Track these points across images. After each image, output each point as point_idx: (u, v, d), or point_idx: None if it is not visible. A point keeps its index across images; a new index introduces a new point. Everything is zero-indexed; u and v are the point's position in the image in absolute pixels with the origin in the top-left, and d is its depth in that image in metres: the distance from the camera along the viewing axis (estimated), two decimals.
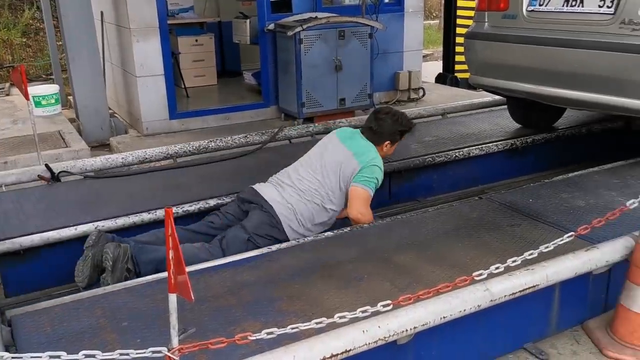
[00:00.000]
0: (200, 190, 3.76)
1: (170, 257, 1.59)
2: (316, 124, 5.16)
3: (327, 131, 5.06)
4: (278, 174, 3.51)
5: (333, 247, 2.94)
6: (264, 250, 2.95)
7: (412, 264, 2.71)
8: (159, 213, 3.39)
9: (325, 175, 3.34)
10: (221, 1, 8.60)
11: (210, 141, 4.63)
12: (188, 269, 2.68)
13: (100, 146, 6.07)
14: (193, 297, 1.61)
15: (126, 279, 2.86)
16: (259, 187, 3.39)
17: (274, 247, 2.96)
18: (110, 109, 6.59)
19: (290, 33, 6.09)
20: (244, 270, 2.72)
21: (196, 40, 7.91)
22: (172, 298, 1.64)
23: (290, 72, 6.35)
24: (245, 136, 4.73)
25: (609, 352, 2.58)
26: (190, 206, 3.54)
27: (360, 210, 3.26)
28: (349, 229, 3.19)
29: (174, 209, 3.44)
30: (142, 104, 6.19)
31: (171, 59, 6.41)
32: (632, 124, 5.08)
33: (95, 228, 3.21)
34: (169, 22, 6.48)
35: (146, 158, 4.39)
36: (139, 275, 2.93)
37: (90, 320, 2.33)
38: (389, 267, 2.70)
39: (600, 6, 3.63)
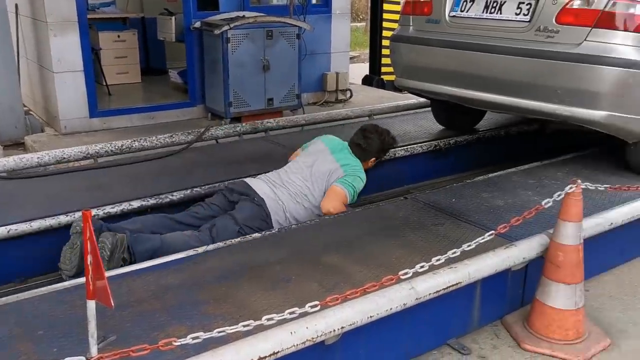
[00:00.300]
0: (122, 191, 3.64)
1: (89, 262, 1.53)
2: (244, 124, 5.10)
3: (254, 131, 5.06)
4: (267, 174, 3.64)
5: (261, 249, 2.92)
6: (190, 252, 2.88)
7: (340, 264, 2.73)
8: (77, 215, 3.25)
9: (315, 182, 3.52)
10: None
11: (134, 141, 4.48)
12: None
13: (14, 145, 5.74)
14: (113, 304, 1.54)
15: (121, 267, 2.84)
16: (251, 181, 3.52)
17: (200, 250, 2.90)
18: (25, 106, 6.26)
19: (217, 32, 6.00)
20: (169, 273, 2.65)
21: (118, 36, 7.66)
22: (91, 305, 1.58)
23: (217, 71, 6.26)
24: (171, 136, 4.62)
25: (526, 345, 2.70)
26: (112, 208, 3.41)
27: (333, 204, 3.42)
28: (276, 230, 3.18)
29: (94, 211, 3.32)
30: (60, 101, 5.92)
31: (91, 54, 6.17)
32: (546, 126, 5.34)
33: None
34: (89, 16, 6.23)
35: (64, 158, 4.20)
36: (134, 263, 2.92)
37: (2, 328, 2.20)
38: (317, 267, 2.71)
39: (517, 14, 3.79)
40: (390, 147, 3.97)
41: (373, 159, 3.81)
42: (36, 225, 3.18)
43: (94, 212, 3.33)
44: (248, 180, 3.55)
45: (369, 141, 3.76)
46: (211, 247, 2.95)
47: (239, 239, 3.03)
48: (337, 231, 3.14)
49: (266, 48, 6.30)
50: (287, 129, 5.30)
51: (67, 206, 3.34)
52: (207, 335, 1.83)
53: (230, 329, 1.88)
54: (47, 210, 3.28)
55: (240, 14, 6.47)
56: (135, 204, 3.48)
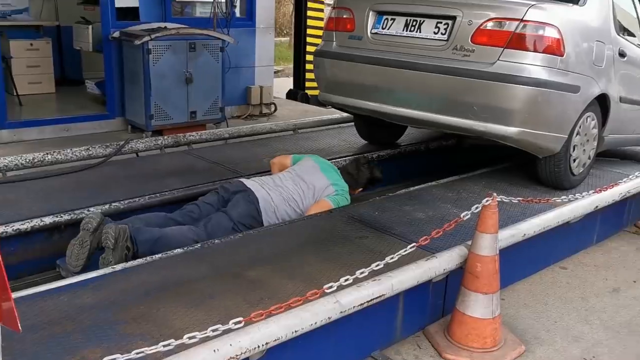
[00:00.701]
0: (34, 207, 3.45)
1: None
2: (165, 137, 4.98)
3: (176, 144, 4.95)
4: (261, 177, 3.85)
5: (183, 265, 2.84)
6: (107, 270, 2.76)
7: (264, 279, 2.70)
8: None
9: (306, 192, 3.73)
10: (60, 4, 8.03)
11: (47, 154, 4.27)
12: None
13: None
14: (21, 327, 1.45)
15: (126, 257, 3.04)
16: (246, 181, 3.71)
17: (118, 267, 2.79)
18: None
19: (137, 42, 5.85)
20: (84, 292, 2.52)
21: (31, 45, 7.30)
22: None
23: (137, 82, 6.10)
24: (87, 149, 4.43)
25: (447, 354, 2.76)
26: (22, 224, 3.23)
27: (319, 211, 3.65)
28: (199, 245, 3.11)
29: (2, 228, 3.13)
30: None
31: (1, 63, 5.85)
32: (463, 141, 5.55)
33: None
34: None
35: None
36: (135, 255, 3.09)
37: None
38: (241, 283, 2.67)
39: (435, 33, 3.92)
40: (378, 181, 4.18)
41: (360, 189, 4.06)
42: None
43: (1, 229, 3.15)
44: (243, 180, 3.75)
45: (360, 173, 4.02)
46: (129, 263, 2.84)
47: (159, 255, 2.94)
48: (262, 246, 3.11)
49: (189, 60, 6.20)
50: (211, 142, 5.22)
51: None
52: (125, 357, 1.76)
53: (149, 350, 1.81)
54: None
55: (162, 25, 6.34)
56: (47, 220, 3.31)
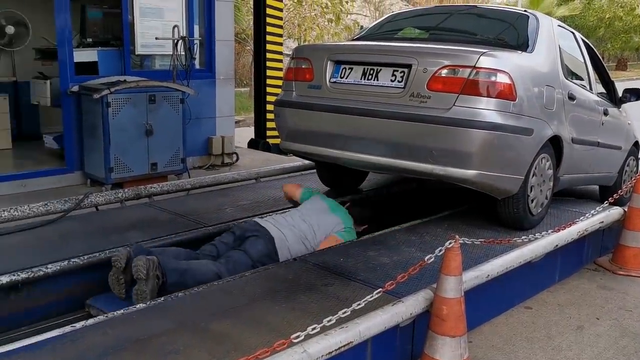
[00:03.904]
0: None
1: None
2: (126, 190, 4.92)
3: (137, 197, 4.88)
4: (273, 216, 4.08)
5: (145, 320, 2.77)
6: (67, 329, 2.66)
7: (230, 331, 2.65)
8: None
9: (318, 230, 3.99)
10: (17, 60, 7.98)
11: (3, 210, 4.15)
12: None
13: None
14: None
15: (157, 285, 3.28)
16: (260, 221, 3.93)
17: (78, 325, 2.69)
18: None
19: (97, 96, 5.83)
20: (41, 354, 2.43)
21: None
22: None
23: (97, 136, 6.04)
24: (45, 204, 4.33)
25: None
26: None
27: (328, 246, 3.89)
28: (162, 298, 3.04)
29: None
30: None
31: None
32: (423, 186, 5.63)
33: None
34: None
35: None
36: (165, 284, 3.32)
37: None
38: (206, 336, 2.61)
39: (392, 80, 4.03)
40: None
41: (366, 226, 4.37)
42: None
43: None
44: (258, 219, 3.97)
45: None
46: (90, 321, 2.75)
47: (121, 310, 2.86)
48: (226, 297, 3.06)
49: (149, 112, 6.20)
50: (172, 193, 5.17)
51: None
52: None
53: None
54: None
55: (122, 78, 6.34)
56: (4, 279, 3.20)
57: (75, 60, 6.31)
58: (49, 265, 3.39)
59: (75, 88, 6.19)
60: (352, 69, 4.24)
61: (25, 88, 7.38)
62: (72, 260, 3.50)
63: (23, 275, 3.27)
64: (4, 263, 3.37)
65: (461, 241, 2.86)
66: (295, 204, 4.61)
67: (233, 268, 3.54)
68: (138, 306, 2.93)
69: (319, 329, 2.36)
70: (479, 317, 3.51)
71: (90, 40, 6.74)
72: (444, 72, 3.81)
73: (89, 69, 6.52)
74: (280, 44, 9.06)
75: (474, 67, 3.73)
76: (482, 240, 3.37)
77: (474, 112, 3.73)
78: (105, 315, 2.83)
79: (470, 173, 3.81)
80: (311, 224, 4.03)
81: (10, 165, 6.73)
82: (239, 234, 3.85)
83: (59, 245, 3.74)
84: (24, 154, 7.20)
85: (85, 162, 6.36)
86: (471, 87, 3.73)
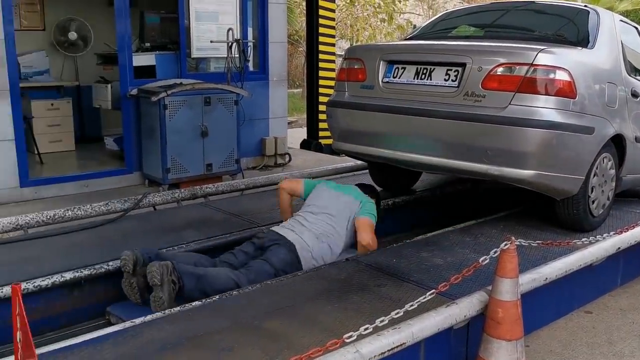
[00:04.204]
0: (54, 263, 3.48)
1: (18, 339, 1.44)
2: (182, 190, 5.04)
3: (193, 197, 5.00)
4: (289, 222, 3.91)
5: (201, 317, 2.83)
6: (127, 324, 2.76)
7: (283, 330, 2.68)
8: (6, 290, 3.07)
9: (337, 219, 3.84)
10: (80, 65, 8.30)
11: (67, 210, 4.33)
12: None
13: None
14: None
15: (174, 292, 3.18)
16: (279, 229, 3.80)
17: (138, 321, 2.78)
18: None
19: (154, 99, 5.99)
20: (104, 348, 2.52)
21: (52, 105, 7.52)
22: None
23: (154, 137, 6.22)
24: (106, 204, 4.50)
25: None
26: (43, 281, 3.26)
27: (370, 236, 3.77)
28: (217, 297, 3.10)
29: (23, 285, 3.16)
30: None
31: (23, 123, 6.01)
32: (478, 186, 5.53)
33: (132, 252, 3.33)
34: (21, 85, 6.11)
35: None
36: (182, 289, 3.20)
37: None
38: (259, 334, 2.64)
39: (445, 80, 3.98)
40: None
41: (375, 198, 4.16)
42: None
43: (23, 285, 3.17)
44: (276, 229, 3.84)
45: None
46: (149, 317, 2.84)
47: (178, 308, 2.94)
48: (279, 296, 3.09)
49: (204, 114, 6.33)
50: (227, 193, 5.27)
51: None
52: None
53: None
54: None
55: (178, 81, 6.50)
56: (68, 275, 3.33)
57: (134, 65, 6.52)
58: (110, 263, 3.51)
59: (134, 91, 6.39)
60: (404, 68, 4.22)
61: (88, 92, 7.67)
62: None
63: (85, 272, 3.40)
64: (67, 261, 3.51)
65: (517, 243, 2.80)
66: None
67: (255, 278, 3.40)
68: (194, 304, 2.99)
69: (371, 329, 2.36)
70: (537, 321, 3.42)
71: (149, 44, 6.95)
72: (500, 70, 3.74)
73: (147, 72, 6.73)
74: (333, 45, 9.09)
75: (532, 64, 3.64)
76: (540, 242, 3.29)
77: (531, 111, 3.64)
78: (163, 312, 2.91)
79: (527, 173, 3.72)
80: (327, 218, 3.85)
81: (74, 167, 7.02)
82: (259, 244, 3.72)
83: (119, 243, 3.87)
84: (86, 155, 7.49)
85: (144, 163, 6.55)
86: (528, 85, 3.65)
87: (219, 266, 3.55)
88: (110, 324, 3.23)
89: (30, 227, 4.15)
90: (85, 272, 3.40)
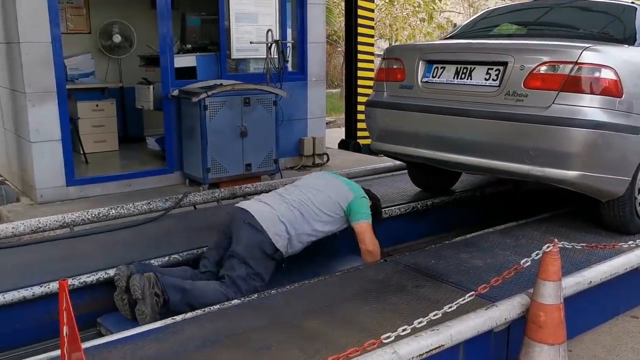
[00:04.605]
0: (99, 260, 3.57)
1: (64, 334, 1.48)
2: (222, 190, 5.11)
3: (233, 196, 5.05)
4: (258, 196, 3.75)
5: (240, 316, 2.86)
6: (168, 321, 2.81)
7: (321, 330, 2.69)
8: (53, 286, 3.17)
9: (321, 196, 3.57)
10: (124, 67, 8.49)
11: (111, 208, 4.45)
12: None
13: None
14: None
15: (158, 305, 3.09)
16: (242, 203, 3.56)
17: (179, 318, 2.84)
18: (0, 176, 6.21)
19: (195, 99, 6.08)
20: (146, 343, 2.58)
21: (97, 106, 7.71)
22: None
23: (195, 137, 6.31)
24: (148, 202, 4.59)
25: None
26: (88, 277, 3.35)
27: (373, 241, 3.60)
28: (255, 296, 3.13)
29: (70, 281, 3.25)
30: (37, 170, 5.88)
31: (69, 124, 6.19)
32: (519, 187, 5.44)
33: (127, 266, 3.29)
34: (68, 87, 6.28)
35: (39, 227, 4.13)
36: (167, 302, 3.12)
37: None
38: (297, 333, 2.66)
39: (486, 79, 3.92)
40: (378, 215, 4.03)
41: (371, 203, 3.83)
42: (9, 297, 3.09)
43: (69, 281, 3.26)
44: (240, 203, 3.55)
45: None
46: (189, 314, 2.89)
47: (217, 306, 2.98)
48: (317, 296, 3.11)
49: (244, 115, 6.39)
50: (265, 193, 5.30)
51: (42, 277, 3.26)
52: None
53: None
54: (21, 282, 3.20)
55: (218, 82, 6.58)
56: (112, 272, 3.41)
57: (175, 66, 6.63)
58: (152, 260, 3.58)
59: (176, 92, 6.49)
60: (444, 68, 4.18)
61: (131, 93, 7.84)
62: (172, 256, 3.68)
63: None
64: (111, 258, 3.60)
65: (560, 245, 2.74)
66: None
67: (238, 289, 3.26)
68: (233, 302, 3.03)
69: (409, 330, 2.34)
70: (580, 325, 3.34)
71: (190, 46, 7.06)
72: (543, 68, 3.67)
73: (188, 73, 6.84)
74: (372, 45, 9.06)
75: (576, 62, 3.56)
76: (584, 244, 3.21)
77: (575, 110, 3.56)
78: (203, 310, 2.96)
79: (571, 174, 3.64)
80: (308, 191, 3.58)
81: (117, 166, 7.18)
82: (225, 230, 3.48)
83: (161, 241, 3.95)
84: (129, 155, 7.66)
85: (184, 163, 6.65)
86: (573, 84, 3.57)
87: (202, 277, 3.42)
88: (101, 334, 3.19)
89: (76, 224, 4.27)
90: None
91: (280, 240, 3.39)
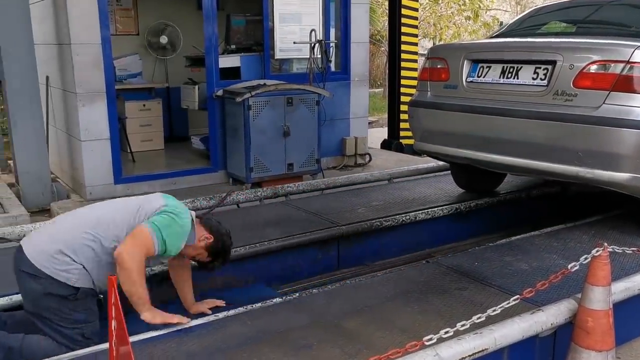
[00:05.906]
0: None
1: (113, 328, 1.53)
2: (264, 189, 5.15)
3: (275, 195, 5.09)
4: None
5: (282, 314, 2.89)
6: (210, 317, 2.86)
7: (362, 330, 2.68)
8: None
9: (118, 214, 2.82)
10: (170, 67, 8.67)
11: None
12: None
13: (41, 212, 5.84)
14: None
15: None
16: (23, 239, 2.79)
17: (221, 315, 2.88)
18: (52, 173, 6.41)
19: (239, 99, 6.16)
20: (189, 339, 2.62)
21: (144, 105, 7.89)
22: None
23: (238, 137, 6.39)
24: (193, 201, 4.66)
25: None
26: None
27: (128, 249, 2.60)
28: (297, 295, 3.14)
29: None
30: (86, 168, 6.06)
31: (117, 123, 6.35)
32: (568, 189, 5.30)
33: None
34: (116, 87, 6.45)
35: None
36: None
37: None
38: (339, 333, 2.66)
39: (534, 79, 3.84)
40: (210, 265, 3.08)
41: (211, 240, 3.05)
42: None
43: None
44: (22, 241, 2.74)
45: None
46: (232, 312, 2.92)
47: (259, 304, 3.00)
48: (358, 296, 3.10)
49: (286, 114, 6.43)
50: (307, 193, 5.33)
51: None
52: None
53: None
54: None
55: (262, 82, 6.65)
56: (157, 269, 3.48)
57: (220, 66, 6.73)
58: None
59: (220, 92, 6.59)
60: (490, 67, 4.11)
61: (176, 93, 8.00)
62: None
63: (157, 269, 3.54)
64: None
65: (610, 249, 2.66)
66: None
67: (70, 343, 2.63)
68: (275, 300, 3.05)
69: (452, 333, 2.32)
70: (629, 332, 3.23)
71: (234, 46, 7.15)
72: (593, 67, 3.57)
73: (233, 73, 6.93)
74: (415, 44, 8.98)
75: (628, 61, 3.45)
76: (635, 249, 3.11)
77: (627, 110, 3.45)
78: (245, 307, 2.99)
79: (621, 176, 3.54)
80: (91, 214, 2.81)
81: (163, 165, 7.33)
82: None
83: None
84: (174, 154, 7.81)
85: (228, 162, 6.74)
86: (624, 84, 3.46)
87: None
88: None
89: None
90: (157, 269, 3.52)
91: (70, 275, 2.61)
